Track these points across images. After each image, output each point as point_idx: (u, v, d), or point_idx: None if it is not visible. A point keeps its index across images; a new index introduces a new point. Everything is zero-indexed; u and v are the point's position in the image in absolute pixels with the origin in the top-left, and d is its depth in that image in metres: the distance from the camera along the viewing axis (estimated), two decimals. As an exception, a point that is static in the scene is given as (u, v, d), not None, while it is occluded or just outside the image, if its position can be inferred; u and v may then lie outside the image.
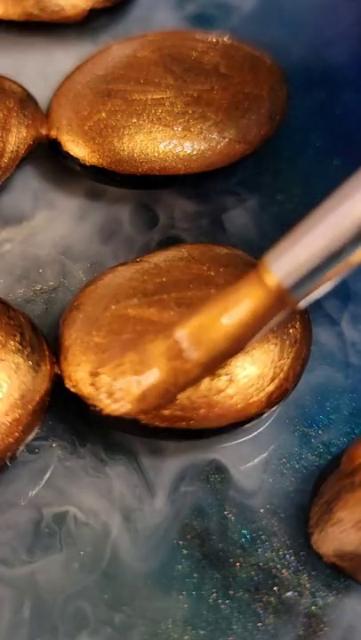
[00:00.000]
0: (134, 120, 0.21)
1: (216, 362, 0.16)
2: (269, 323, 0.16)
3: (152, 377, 0.16)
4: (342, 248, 0.15)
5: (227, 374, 0.17)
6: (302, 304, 0.16)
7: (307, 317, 0.19)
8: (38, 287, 0.21)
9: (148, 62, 0.22)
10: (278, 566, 0.18)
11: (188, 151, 0.21)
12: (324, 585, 0.18)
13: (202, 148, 0.21)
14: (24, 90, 0.22)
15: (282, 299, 0.15)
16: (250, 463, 0.19)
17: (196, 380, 0.17)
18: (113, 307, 0.18)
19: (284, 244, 0.16)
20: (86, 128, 0.21)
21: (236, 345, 0.16)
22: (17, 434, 0.17)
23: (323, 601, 0.18)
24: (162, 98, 0.21)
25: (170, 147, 0.21)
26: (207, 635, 0.17)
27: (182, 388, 0.17)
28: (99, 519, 0.18)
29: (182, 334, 0.16)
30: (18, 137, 0.21)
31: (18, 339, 0.18)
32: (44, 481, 0.18)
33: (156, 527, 0.18)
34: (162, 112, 0.21)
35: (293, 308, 0.16)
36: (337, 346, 0.20)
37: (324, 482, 0.18)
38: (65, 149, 0.21)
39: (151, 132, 0.21)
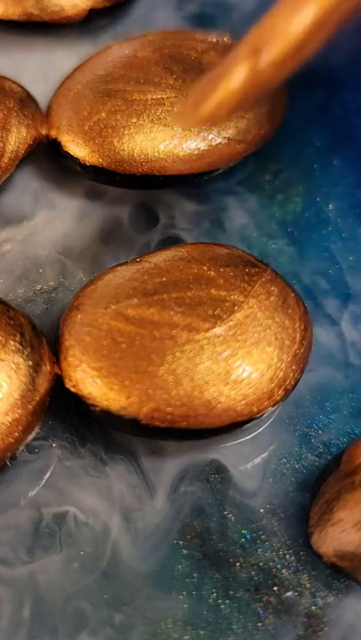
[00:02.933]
0: (134, 120, 0.21)
1: (295, 58, 0.15)
2: (348, 13, 0.15)
3: (234, 77, 0.15)
4: None
5: (227, 374, 0.17)
6: None
7: (307, 317, 0.19)
8: (38, 287, 0.21)
9: (148, 62, 0.22)
10: (278, 566, 0.18)
11: (188, 151, 0.21)
12: (324, 585, 0.18)
13: (202, 148, 0.21)
14: (24, 90, 0.22)
15: None
16: (250, 463, 0.19)
17: (275, 80, 0.16)
18: (113, 307, 0.18)
19: None
20: (86, 128, 0.21)
21: (315, 38, 0.15)
22: (17, 434, 0.17)
23: (323, 601, 0.18)
24: (162, 98, 0.21)
25: (170, 147, 0.21)
26: (207, 635, 0.17)
27: (261, 90, 0.16)
28: (99, 519, 0.18)
29: (262, 27, 0.15)
30: (18, 137, 0.21)
31: (18, 339, 0.18)
32: (43, 481, 0.18)
33: (156, 527, 0.18)
34: (162, 112, 0.21)
35: None
36: (337, 346, 0.20)
37: (325, 482, 0.18)
38: (65, 149, 0.21)
39: (151, 131, 0.21)
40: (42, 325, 0.19)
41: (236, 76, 0.15)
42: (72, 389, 0.18)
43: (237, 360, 0.17)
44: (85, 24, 0.24)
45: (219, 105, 0.15)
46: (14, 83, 0.22)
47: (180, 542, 0.18)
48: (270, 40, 0.15)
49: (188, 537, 0.18)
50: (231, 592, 0.18)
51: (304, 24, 0.15)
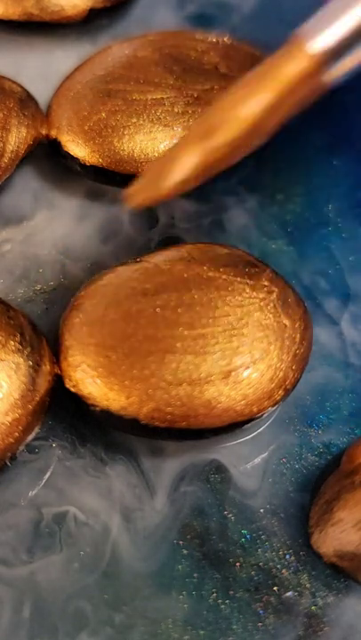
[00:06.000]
0: (134, 120, 0.21)
1: (245, 142, 0.16)
2: (299, 100, 0.16)
3: (185, 160, 0.16)
4: None
5: (227, 374, 0.17)
6: (334, 80, 0.16)
7: (307, 317, 0.19)
8: (38, 287, 0.21)
9: (148, 62, 0.22)
10: (278, 566, 0.18)
11: (188, 151, 0.21)
12: (324, 585, 0.18)
13: (202, 147, 0.21)
14: (24, 90, 0.22)
15: (317, 71, 0.15)
16: (250, 463, 0.19)
17: (227, 161, 0.16)
18: (113, 306, 0.18)
19: (319, 17, 0.15)
20: (86, 128, 0.21)
21: (266, 124, 0.16)
22: (17, 434, 0.17)
23: (323, 601, 0.18)
24: (162, 98, 0.21)
25: (170, 147, 0.21)
26: (207, 635, 0.17)
27: (213, 169, 0.16)
28: (99, 519, 0.18)
29: (214, 111, 0.16)
30: (18, 137, 0.21)
31: (18, 339, 0.18)
32: (43, 481, 0.18)
33: (156, 527, 0.18)
34: (162, 112, 0.21)
35: (325, 84, 0.15)
36: (337, 346, 0.20)
37: (325, 482, 0.18)
38: (65, 149, 0.21)
39: (151, 131, 0.21)
40: (42, 325, 0.19)
41: (188, 158, 0.16)
42: (72, 389, 0.18)
43: (237, 360, 0.17)
44: (85, 24, 0.24)
45: (171, 186, 0.16)
46: (14, 83, 0.22)
47: (180, 542, 0.18)
48: (222, 124, 0.16)
49: (188, 537, 0.18)
50: (231, 592, 0.18)
51: (256, 110, 0.15)
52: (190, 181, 0.16)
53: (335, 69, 0.15)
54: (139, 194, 0.17)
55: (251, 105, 0.15)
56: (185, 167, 0.16)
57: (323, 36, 0.15)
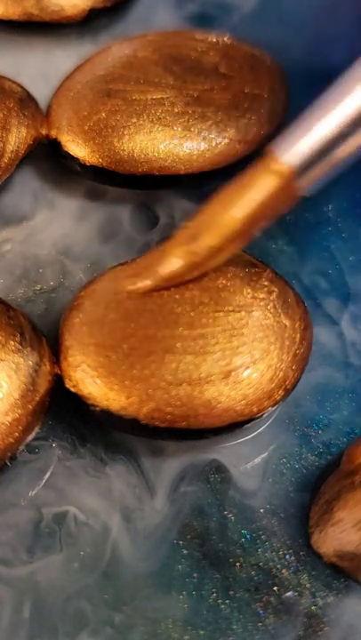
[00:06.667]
0: (134, 120, 0.21)
1: (225, 246, 0.18)
2: (275, 210, 0.17)
3: (170, 264, 0.18)
4: (346, 131, 0.16)
5: (227, 374, 0.17)
6: (307, 190, 0.17)
7: (307, 317, 0.19)
8: (38, 287, 0.21)
9: (148, 62, 0.22)
10: (278, 566, 0.18)
11: (188, 151, 0.21)
12: (324, 585, 0.18)
13: (202, 147, 0.21)
14: (24, 90, 0.22)
15: (290, 184, 0.17)
16: (250, 463, 0.19)
17: (211, 262, 0.18)
18: (113, 307, 0.18)
19: (289, 133, 0.17)
20: (86, 128, 0.21)
21: (245, 231, 0.17)
22: (17, 434, 0.17)
23: (323, 601, 0.18)
24: (162, 98, 0.21)
25: (170, 147, 0.21)
26: (207, 635, 0.17)
27: (196, 269, 0.18)
28: (99, 519, 0.18)
29: (195, 223, 0.17)
30: (18, 137, 0.21)
31: (18, 339, 0.18)
32: (43, 481, 0.18)
33: (156, 527, 0.18)
34: (162, 112, 0.21)
35: (299, 194, 0.17)
36: (337, 346, 0.20)
37: (324, 482, 0.18)
38: (65, 149, 0.21)
39: (151, 131, 0.21)
40: (42, 325, 0.19)
41: (173, 260, 0.18)
42: (72, 389, 0.18)
43: (237, 360, 0.17)
44: (85, 24, 0.24)
45: (155, 283, 0.18)
46: (14, 83, 0.22)
47: (180, 542, 0.18)
48: (206, 229, 0.17)
49: (188, 537, 0.18)
50: (231, 592, 0.18)
51: (239, 217, 0.17)
52: (180, 277, 0.18)
53: (306, 180, 0.17)
54: (135, 282, 0.18)
55: (234, 212, 0.17)
56: (172, 265, 0.18)
57: (292, 152, 0.17)
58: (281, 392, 0.18)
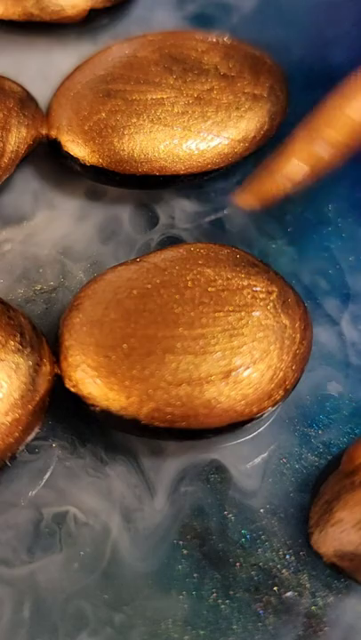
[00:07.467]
0: (134, 120, 0.21)
1: (350, 142, 0.17)
2: None
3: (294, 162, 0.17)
4: None
5: (227, 374, 0.17)
6: None
7: (307, 317, 0.19)
8: (38, 287, 0.21)
9: (148, 62, 0.22)
10: (278, 566, 0.18)
11: (188, 151, 0.21)
12: (324, 585, 0.18)
13: (202, 148, 0.21)
14: (24, 90, 0.22)
15: None
16: (250, 463, 0.19)
17: (332, 164, 0.17)
18: (113, 306, 0.18)
19: None
20: (86, 128, 0.21)
21: None
22: (17, 434, 0.17)
23: (323, 601, 0.18)
24: (162, 98, 0.21)
25: (170, 147, 0.21)
26: (207, 635, 0.17)
27: (321, 170, 0.17)
28: (99, 519, 0.18)
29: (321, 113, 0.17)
30: (18, 137, 0.21)
31: (18, 339, 0.18)
32: (44, 481, 0.18)
33: (156, 527, 0.18)
34: (162, 112, 0.21)
35: None
36: (337, 346, 0.20)
37: (325, 482, 0.18)
38: (65, 149, 0.21)
39: (151, 131, 0.21)
40: (42, 325, 0.19)
41: (295, 163, 0.17)
42: (72, 389, 0.18)
43: (237, 360, 0.17)
44: (85, 24, 0.24)
45: (285, 184, 0.17)
46: (14, 83, 0.22)
47: (180, 542, 0.18)
48: (329, 124, 0.17)
49: (188, 537, 0.18)
50: (231, 592, 0.18)
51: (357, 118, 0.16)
52: (303, 181, 0.17)
53: None
54: (252, 193, 0.17)
55: (357, 106, 0.16)
56: (295, 168, 0.17)
57: None
58: (281, 392, 0.18)
